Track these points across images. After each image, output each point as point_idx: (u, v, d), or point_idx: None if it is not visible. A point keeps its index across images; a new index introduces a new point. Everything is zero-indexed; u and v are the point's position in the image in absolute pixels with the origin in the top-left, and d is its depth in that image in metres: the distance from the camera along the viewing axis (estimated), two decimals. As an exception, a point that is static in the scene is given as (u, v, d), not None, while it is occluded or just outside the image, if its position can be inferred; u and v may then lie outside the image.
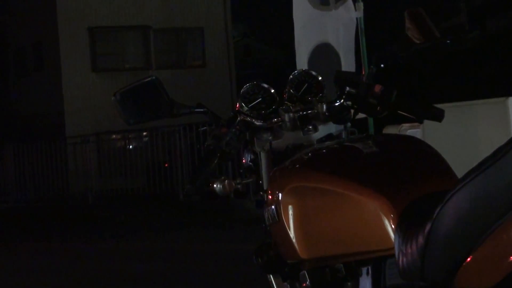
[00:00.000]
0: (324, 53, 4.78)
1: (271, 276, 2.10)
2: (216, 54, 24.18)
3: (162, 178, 16.01)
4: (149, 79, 2.18)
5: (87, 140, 18.40)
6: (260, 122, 2.09)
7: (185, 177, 14.66)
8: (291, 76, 2.18)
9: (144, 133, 18.20)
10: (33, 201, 18.19)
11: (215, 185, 2.11)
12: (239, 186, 2.14)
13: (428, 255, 1.45)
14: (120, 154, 18.31)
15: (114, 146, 18.96)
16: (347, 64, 4.80)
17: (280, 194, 1.90)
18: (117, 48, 23.61)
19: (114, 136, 18.94)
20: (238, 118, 2.10)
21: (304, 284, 1.88)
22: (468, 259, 1.36)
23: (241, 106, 2.13)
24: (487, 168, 1.30)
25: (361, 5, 4.86)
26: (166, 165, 16.42)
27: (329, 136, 2.10)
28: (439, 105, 2.18)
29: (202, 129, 14.02)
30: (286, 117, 2.07)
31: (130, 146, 18.64)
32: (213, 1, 24.06)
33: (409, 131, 5.22)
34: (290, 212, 1.86)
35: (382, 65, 1.90)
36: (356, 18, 4.86)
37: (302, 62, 4.75)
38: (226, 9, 24.39)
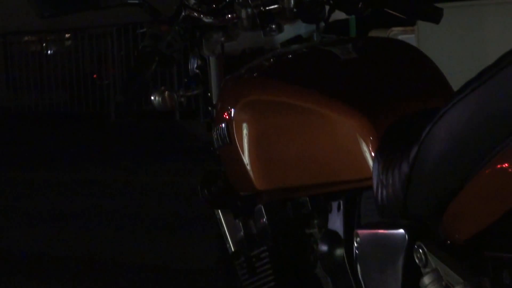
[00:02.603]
0: None
1: (219, 212, 2.14)
2: None
3: (89, 93, 15.90)
4: None
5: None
6: (210, 18, 2.08)
7: (118, 90, 14.50)
8: None
9: (67, 35, 17.89)
10: None
11: (153, 98, 2.13)
12: (182, 99, 2.14)
13: (412, 186, 1.48)
14: (35, 62, 17.91)
15: (26, 51, 18.42)
16: None
17: (232, 110, 1.92)
18: None
19: (26, 38, 18.55)
20: (183, 13, 2.08)
21: (260, 221, 1.91)
22: (461, 192, 1.39)
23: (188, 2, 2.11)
24: (488, 80, 1.31)
25: None
26: (95, 76, 16.27)
27: (297, 38, 2.10)
28: (438, 4, 2.18)
29: (142, 30, 13.84)
30: (243, 13, 2.05)
31: (49, 52, 18.26)
32: None
33: (400, 36, 5.19)
34: (245, 131, 1.88)
35: None
36: None
37: None
38: None
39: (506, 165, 1.29)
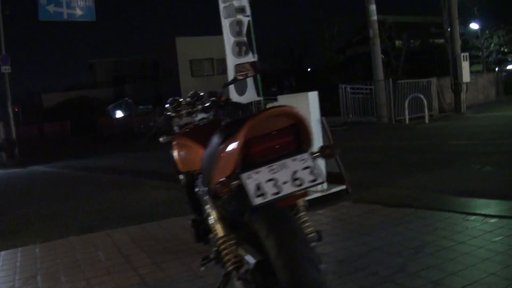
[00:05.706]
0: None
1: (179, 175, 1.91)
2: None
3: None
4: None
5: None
6: (174, 114, 1.91)
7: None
8: (190, 93, 1.95)
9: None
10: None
11: (160, 139, 1.92)
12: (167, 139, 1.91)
13: (203, 172, 1.37)
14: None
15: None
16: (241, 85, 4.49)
17: (173, 144, 1.79)
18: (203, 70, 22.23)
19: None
20: (166, 114, 1.91)
21: (184, 177, 1.76)
22: (213, 167, 1.25)
23: (167, 109, 1.92)
24: (213, 139, 1.25)
25: (256, 55, 4.53)
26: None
27: (202, 119, 1.92)
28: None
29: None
30: (184, 113, 1.90)
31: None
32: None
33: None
34: (176, 152, 1.75)
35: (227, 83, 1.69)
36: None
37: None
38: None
39: (222, 160, 1.18)
